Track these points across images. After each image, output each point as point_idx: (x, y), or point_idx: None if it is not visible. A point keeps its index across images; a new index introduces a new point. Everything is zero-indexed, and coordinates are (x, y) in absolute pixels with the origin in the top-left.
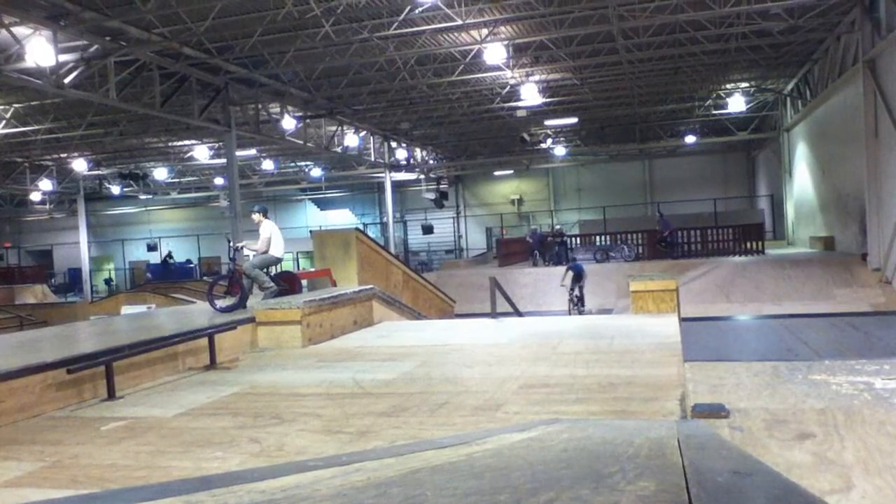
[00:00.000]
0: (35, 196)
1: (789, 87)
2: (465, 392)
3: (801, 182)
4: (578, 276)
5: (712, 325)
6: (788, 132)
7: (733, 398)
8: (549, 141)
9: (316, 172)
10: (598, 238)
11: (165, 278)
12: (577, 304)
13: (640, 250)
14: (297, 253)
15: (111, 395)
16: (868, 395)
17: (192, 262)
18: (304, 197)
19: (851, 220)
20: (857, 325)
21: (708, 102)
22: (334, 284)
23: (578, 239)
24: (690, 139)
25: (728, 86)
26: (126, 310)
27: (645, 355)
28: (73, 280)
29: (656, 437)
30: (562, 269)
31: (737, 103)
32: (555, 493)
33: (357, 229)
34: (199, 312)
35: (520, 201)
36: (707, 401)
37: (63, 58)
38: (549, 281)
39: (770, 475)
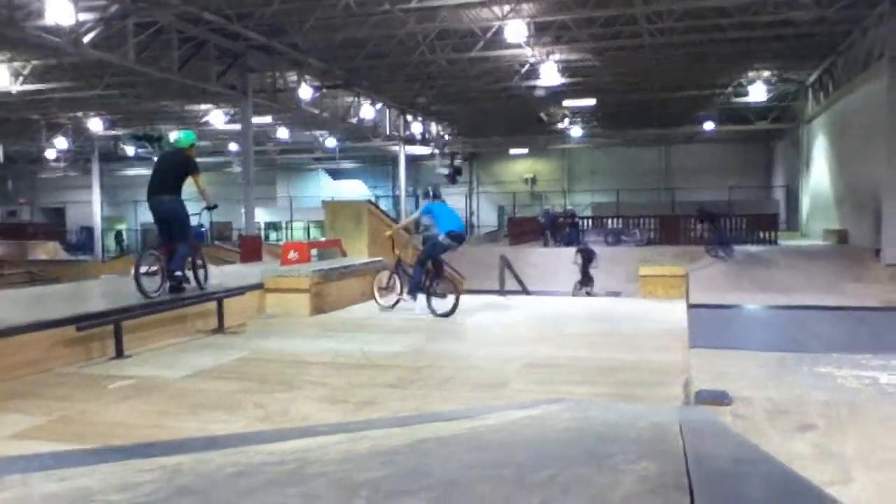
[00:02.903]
0: (50, 154)
1: (812, 78)
2: (471, 368)
3: (819, 174)
4: (589, 259)
5: (720, 313)
6: (809, 124)
7: (737, 386)
8: (566, 122)
9: (330, 143)
10: (610, 221)
11: None
12: (586, 284)
13: (653, 235)
14: (309, 222)
15: (119, 354)
16: (873, 390)
17: (203, 227)
18: (317, 166)
19: (866, 215)
20: (866, 319)
21: (728, 90)
22: (344, 255)
23: (590, 221)
24: (709, 126)
25: (750, 74)
26: None
27: (651, 340)
28: (88, 238)
29: (659, 421)
30: (571, 250)
31: (758, 92)
32: (557, 470)
33: (369, 201)
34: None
35: (533, 181)
36: (711, 388)
37: (82, 17)
38: (559, 261)
39: (770, 463)
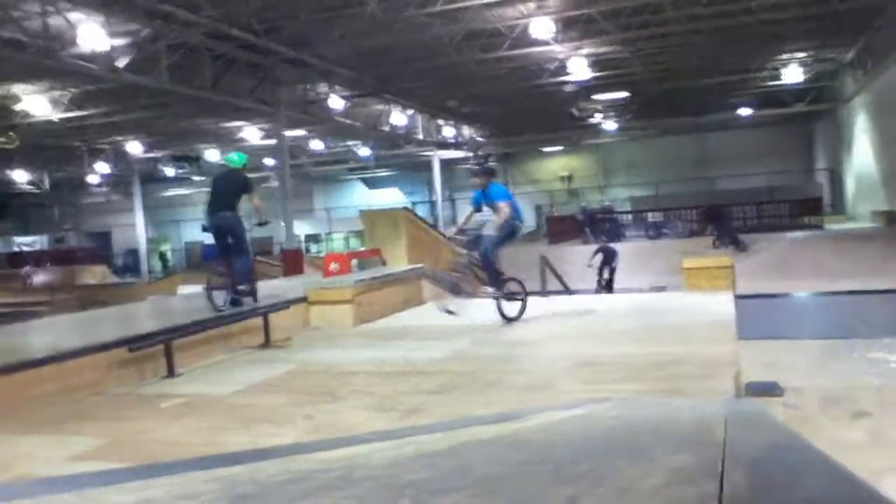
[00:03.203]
0: (92, 179)
1: (849, 56)
2: (516, 371)
3: (862, 154)
4: (609, 259)
5: (768, 303)
6: (848, 103)
7: (788, 376)
8: (599, 116)
9: (364, 152)
10: (649, 214)
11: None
12: (606, 287)
13: (694, 226)
14: (348, 232)
15: (171, 372)
16: None
17: None
18: (352, 177)
19: None
20: None
21: (763, 73)
22: (384, 264)
23: (630, 215)
24: (745, 111)
25: (784, 56)
26: (182, 290)
27: (698, 333)
28: (134, 260)
29: (704, 415)
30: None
31: (793, 74)
32: (593, 465)
33: (405, 208)
34: None
35: (569, 178)
36: (761, 379)
37: (115, 42)
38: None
39: (812, 452)
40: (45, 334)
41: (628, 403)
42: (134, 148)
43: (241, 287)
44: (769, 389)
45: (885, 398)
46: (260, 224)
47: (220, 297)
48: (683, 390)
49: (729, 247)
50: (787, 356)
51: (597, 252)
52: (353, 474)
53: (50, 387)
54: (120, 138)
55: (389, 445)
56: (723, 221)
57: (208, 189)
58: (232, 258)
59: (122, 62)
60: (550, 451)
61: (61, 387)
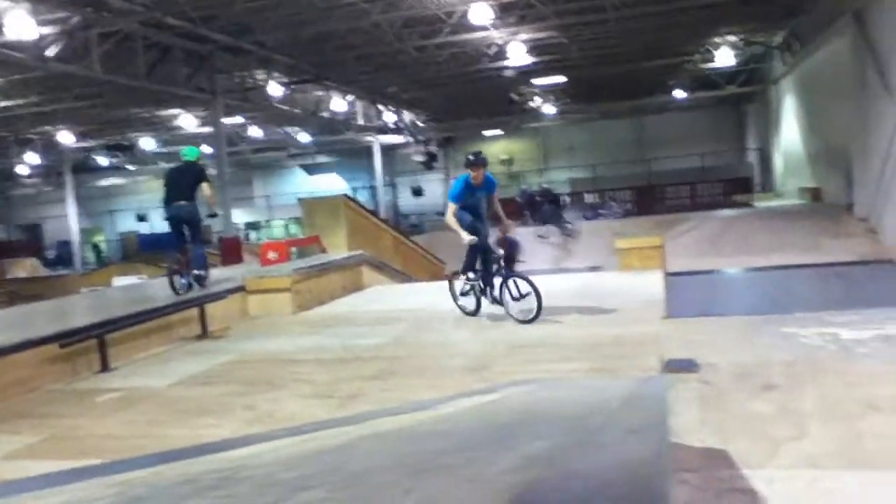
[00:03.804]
0: (22, 170)
1: (778, 38)
2: (455, 354)
3: (790, 134)
4: (512, 252)
5: (699, 280)
6: (777, 84)
7: (707, 352)
8: (538, 100)
9: (304, 138)
10: (588, 195)
11: (156, 249)
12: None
13: (630, 206)
14: (288, 220)
15: (105, 367)
16: (834, 347)
17: None
18: (292, 163)
19: (838, 171)
20: (842, 274)
21: (696, 57)
22: (324, 251)
23: (568, 197)
24: (680, 94)
25: (717, 39)
26: (117, 281)
27: (631, 313)
28: (67, 252)
29: (608, 396)
30: (552, 228)
31: (725, 57)
32: (455, 455)
33: (345, 196)
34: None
35: (510, 161)
36: (683, 356)
37: (44, 30)
38: (537, 240)
39: (657, 435)
40: None
41: (548, 385)
42: (65, 138)
43: (196, 272)
44: (686, 366)
45: (792, 371)
46: (211, 215)
47: (179, 281)
48: (614, 369)
49: (560, 234)
50: (709, 333)
51: (498, 243)
52: (238, 474)
53: None
54: (50, 128)
55: (295, 441)
56: (534, 207)
57: (163, 181)
58: (188, 245)
59: (51, 51)
60: (430, 443)
61: None
